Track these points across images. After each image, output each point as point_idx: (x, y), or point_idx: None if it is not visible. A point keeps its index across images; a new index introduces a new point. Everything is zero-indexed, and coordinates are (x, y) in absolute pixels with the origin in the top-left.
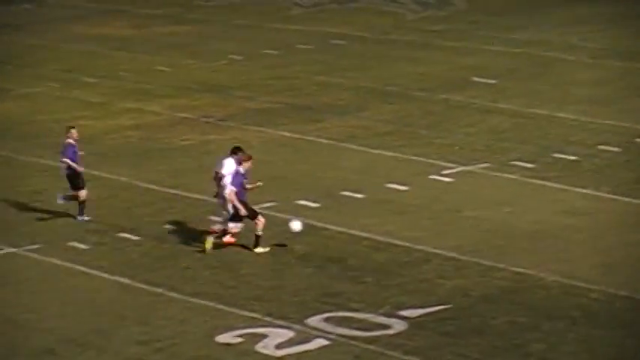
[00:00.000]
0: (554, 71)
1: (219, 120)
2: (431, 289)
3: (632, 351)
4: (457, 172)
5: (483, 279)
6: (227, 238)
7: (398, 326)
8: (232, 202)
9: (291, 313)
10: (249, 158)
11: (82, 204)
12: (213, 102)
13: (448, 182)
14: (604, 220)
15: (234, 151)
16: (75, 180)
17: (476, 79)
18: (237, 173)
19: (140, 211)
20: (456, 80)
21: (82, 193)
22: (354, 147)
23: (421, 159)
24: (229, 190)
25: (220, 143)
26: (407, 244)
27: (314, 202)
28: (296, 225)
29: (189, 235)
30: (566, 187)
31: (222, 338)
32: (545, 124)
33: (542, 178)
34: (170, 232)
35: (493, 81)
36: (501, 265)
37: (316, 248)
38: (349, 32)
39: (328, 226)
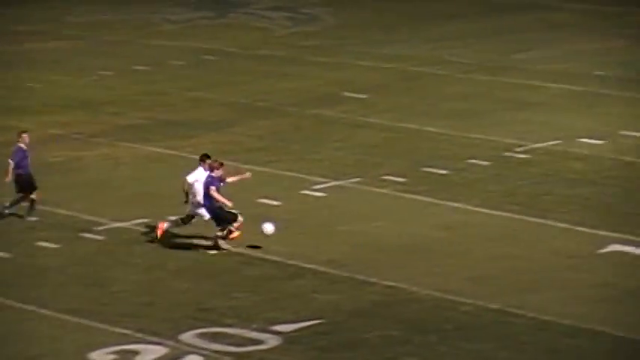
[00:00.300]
0: (423, 86)
1: (90, 136)
2: (304, 303)
3: None
4: (328, 187)
5: (356, 293)
6: (234, 235)
7: (271, 341)
8: (217, 199)
9: (164, 330)
10: (221, 165)
11: (33, 203)
12: (84, 118)
13: (320, 197)
14: (474, 234)
15: (203, 159)
16: (23, 183)
17: (346, 93)
18: (212, 178)
19: (11, 228)
20: (327, 95)
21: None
22: (229, 163)
23: (292, 174)
24: (212, 190)
25: (91, 160)
26: (279, 259)
27: None
28: (269, 227)
29: (61, 251)
30: (436, 201)
31: (95, 355)
32: (416, 138)
33: (413, 192)
34: (41, 249)
35: (363, 96)
36: (373, 279)
37: (189, 264)
38: (220, 48)
39: (200, 242)
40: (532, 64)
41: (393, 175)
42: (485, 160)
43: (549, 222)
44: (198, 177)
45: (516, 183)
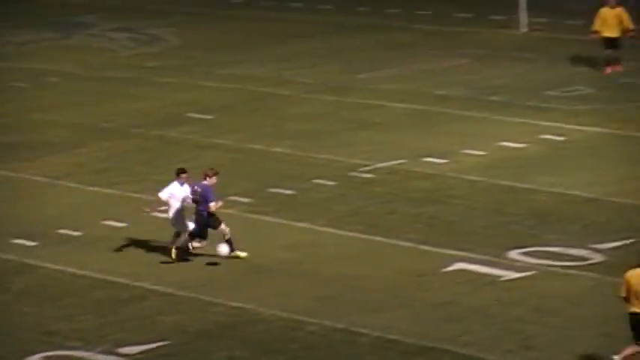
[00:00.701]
0: (268, 106)
1: None
2: (149, 325)
3: None
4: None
5: (202, 314)
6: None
7: None
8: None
9: (9, 354)
10: (216, 173)
11: None
12: None
13: (165, 218)
14: (321, 254)
15: (178, 173)
16: None
17: (191, 114)
18: (208, 189)
19: None
20: (172, 116)
21: None
22: (71, 184)
23: (138, 195)
24: (212, 206)
25: None
26: (125, 280)
27: (31, 240)
28: (224, 249)
29: None
30: (283, 222)
31: None
32: (261, 159)
33: (260, 213)
34: None
35: (209, 116)
36: (219, 300)
37: (33, 287)
38: (63, 69)
39: (45, 265)
40: (376, 84)
41: (239, 196)
42: (331, 180)
43: (394, 241)
44: (172, 192)
45: (361, 202)
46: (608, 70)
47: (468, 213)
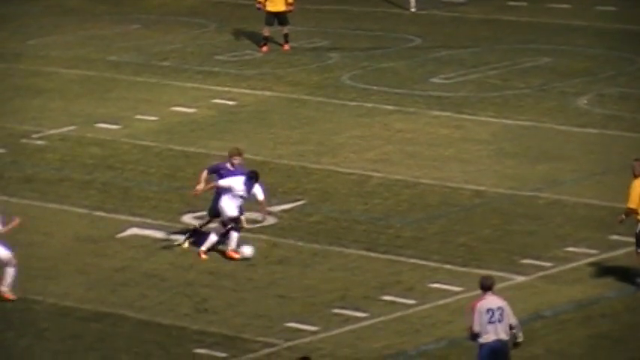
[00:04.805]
0: None
1: None
2: None
3: None
4: None
5: None
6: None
7: None
8: None
9: None
10: None
11: None
12: None
13: None
14: None
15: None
16: None
17: None
18: None
19: None
20: None
21: None
22: None
23: None
24: None
25: None
26: None
27: None
28: (247, 250)
29: None
30: None
31: None
32: None
33: None
34: None
35: None
36: None
37: None
38: None
39: None
40: (47, 51)
41: None
42: (2, 148)
43: (68, 207)
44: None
45: (34, 169)
46: (265, 49)
47: (142, 178)
